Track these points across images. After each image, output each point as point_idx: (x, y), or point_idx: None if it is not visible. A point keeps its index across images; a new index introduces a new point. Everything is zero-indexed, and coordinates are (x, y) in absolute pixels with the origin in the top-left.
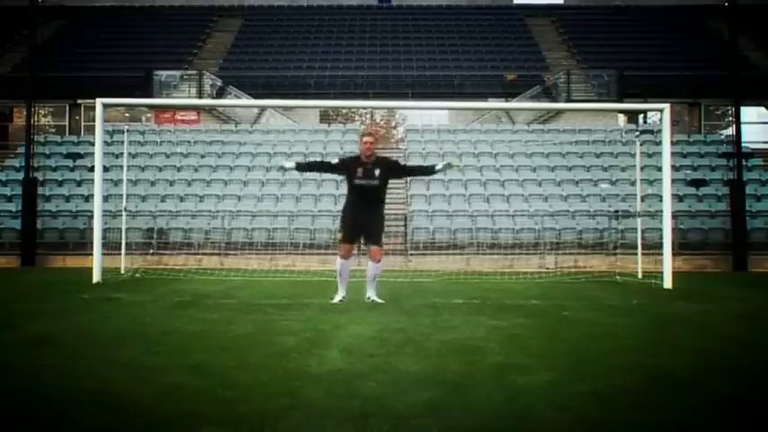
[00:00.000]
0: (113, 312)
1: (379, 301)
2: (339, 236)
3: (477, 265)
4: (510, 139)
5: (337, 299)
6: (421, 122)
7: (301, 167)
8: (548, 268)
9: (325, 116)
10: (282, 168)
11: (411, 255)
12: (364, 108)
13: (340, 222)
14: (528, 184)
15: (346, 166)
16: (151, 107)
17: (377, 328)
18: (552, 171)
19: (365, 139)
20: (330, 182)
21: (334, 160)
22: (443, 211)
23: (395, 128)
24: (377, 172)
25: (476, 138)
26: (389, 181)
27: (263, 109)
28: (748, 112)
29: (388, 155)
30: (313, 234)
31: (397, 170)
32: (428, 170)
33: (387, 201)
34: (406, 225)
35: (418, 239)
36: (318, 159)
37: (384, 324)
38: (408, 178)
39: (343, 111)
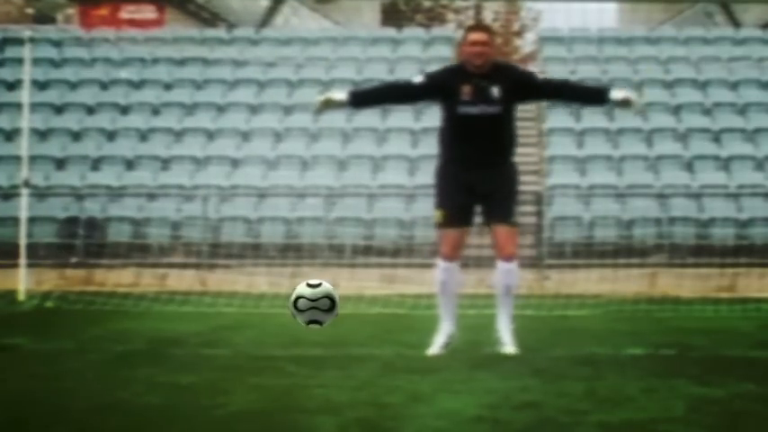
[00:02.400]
0: (5, 372)
1: (512, 349)
2: (437, 216)
3: (671, 286)
4: (730, 54)
5: (441, 341)
6: (568, 25)
7: (360, 100)
8: None
9: (393, 13)
10: (324, 106)
11: (549, 267)
12: None
13: (436, 192)
14: (764, 139)
15: (440, 85)
16: None
17: (487, 402)
18: None
19: (473, 37)
20: (401, 133)
21: (417, 78)
22: (609, 188)
23: (519, 34)
24: (496, 90)
25: (668, 53)
26: (518, 107)
27: (278, 0)
28: None
29: (511, 63)
30: (370, 230)
31: (533, 88)
32: (593, 95)
33: None
34: (539, 213)
35: (562, 239)
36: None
37: (501, 393)
38: (546, 120)
39: (426, 3)
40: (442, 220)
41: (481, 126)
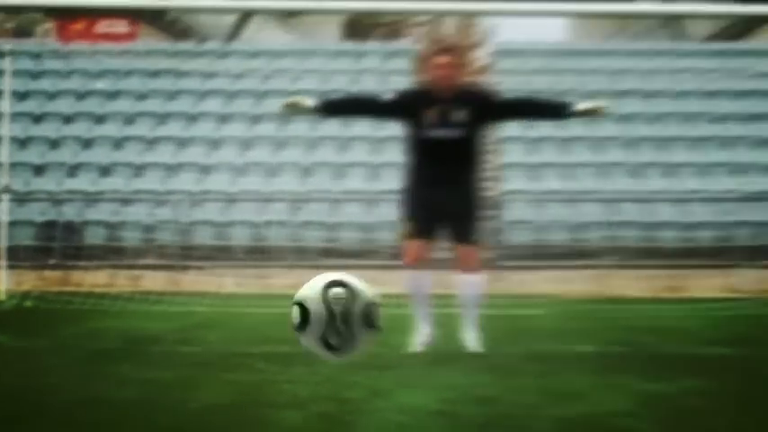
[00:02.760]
0: None
1: (478, 349)
2: (404, 229)
3: (620, 286)
4: (675, 67)
5: (421, 340)
6: (521, 38)
7: (328, 108)
8: (741, 292)
9: (354, 28)
10: (293, 109)
11: (503, 268)
12: (423, 13)
13: (402, 204)
14: (707, 147)
15: (407, 106)
16: (52, 12)
17: (445, 397)
18: (750, 123)
19: (439, 60)
20: (362, 141)
21: (388, 96)
22: (561, 193)
23: (475, 49)
24: (462, 114)
25: (616, 65)
26: (485, 129)
27: (246, 15)
28: None
29: (478, 84)
30: (333, 232)
31: (499, 109)
32: (556, 110)
33: None
34: (494, 217)
35: (516, 242)
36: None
37: (458, 389)
38: (499, 129)
39: (386, 18)
40: (409, 232)
41: (446, 149)
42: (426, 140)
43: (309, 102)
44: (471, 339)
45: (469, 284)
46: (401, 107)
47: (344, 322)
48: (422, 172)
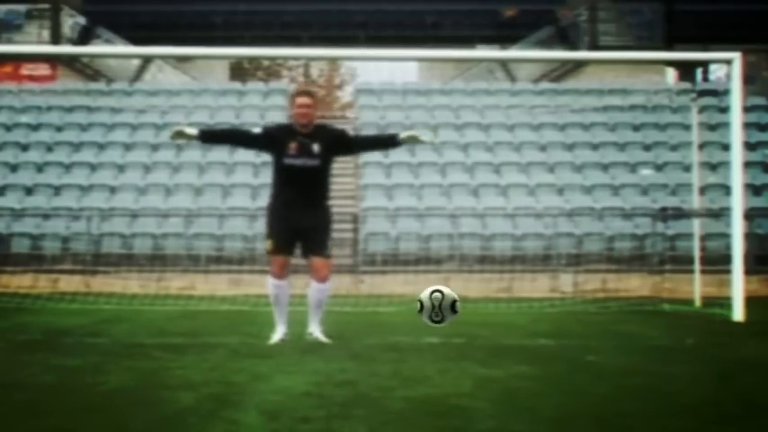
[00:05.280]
0: None
1: (324, 339)
2: (267, 245)
3: (461, 288)
4: (508, 103)
5: (277, 337)
6: (378, 79)
7: (207, 137)
8: (563, 292)
9: (239, 70)
10: (179, 137)
11: (363, 273)
12: (295, 58)
13: (266, 225)
14: (534, 170)
15: (272, 139)
16: None
17: (314, 380)
18: (570, 151)
19: (300, 100)
20: (245, 165)
21: (256, 129)
22: (411, 210)
23: (340, 88)
24: (316, 147)
25: (458, 102)
26: (335, 160)
27: (147, 60)
28: None
29: (330, 124)
30: (220, 243)
31: (344, 143)
32: (387, 141)
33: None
34: (356, 230)
35: (374, 250)
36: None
37: (325, 374)
38: (360, 156)
39: (265, 63)
40: (272, 249)
41: (303, 175)
42: (288, 167)
43: (192, 131)
44: (316, 331)
45: (318, 290)
46: (269, 138)
47: (439, 309)
48: (283, 195)
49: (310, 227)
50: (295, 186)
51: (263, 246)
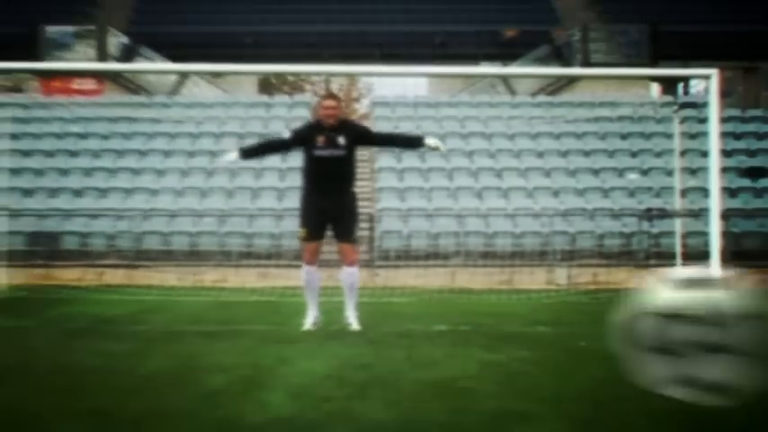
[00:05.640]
0: None
1: (356, 327)
2: (301, 233)
3: (466, 281)
4: (509, 114)
5: (309, 322)
6: (392, 93)
7: (248, 154)
8: (558, 285)
9: (266, 85)
10: (225, 162)
11: (379, 267)
12: (317, 74)
13: (299, 215)
14: (532, 175)
15: (301, 137)
16: (37, 73)
17: (334, 364)
18: (564, 157)
19: (327, 102)
20: (272, 171)
21: (286, 134)
22: (421, 210)
23: (357, 101)
24: (342, 139)
25: (464, 113)
26: (358, 150)
27: (184, 76)
28: None
29: (355, 120)
30: (250, 240)
31: (368, 138)
32: (414, 142)
33: None
34: (372, 228)
35: (388, 247)
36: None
37: (344, 358)
38: (376, 162)
39: (290, 78)
40: (305, 236)
41: (330, 164)
42: (316, 158)
43: (233, 155)
44: (352, 319)
45: (349, 274)
46: (299, 137)
47: None
48: (313, 184)
49: (339, 214)
50: (323, 175)
51: (297, 235)
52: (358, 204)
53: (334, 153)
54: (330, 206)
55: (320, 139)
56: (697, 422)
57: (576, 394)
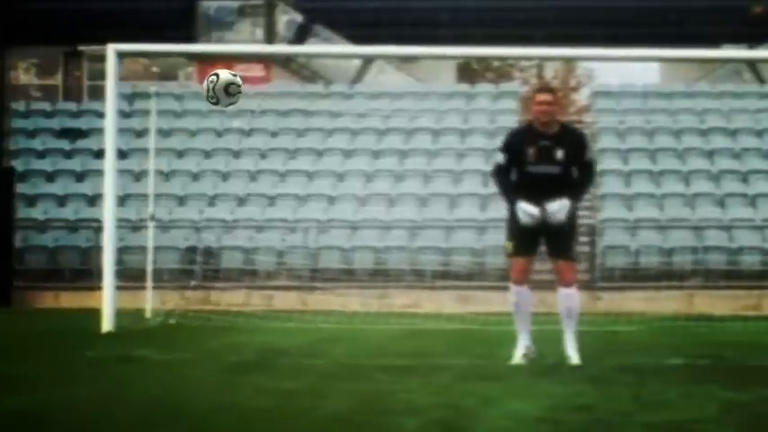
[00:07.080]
0: (134, 379)
1: (575, 361)
2: (508, 247)
3: (706, 305)
4: (757, 107)
5: (519, 353)
6: (617, 81)
7: (512, 200)
8: None
9: (467, 71)
10: (528, 219)
11: (601, 289)
12: (528, 59)
13: (507, 226)
14: None
15: (513, 150)
16: (193, 57)
17: (548, 404)
18: None
19: (540, 97)
20: (474, 174)
21: (499, 158)
22: (652, 221)
23: (575, 90)
24: (559, 153)
25: (702, 105)
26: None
27: (368, 60)
28: None
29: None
30: (447, 257)
31: (580, 155)
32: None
33: None
34: (593, 242)
35: (613, 265)
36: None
37: (559, 397)
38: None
39: (495, 63)
40: (513, 250)
41: (544, 182)
42: (529, 175)
43: (507, 211)
44: (571, 351)
45: (566, 296)
46: (512, 155)
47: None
48: (524, 197)
49: (553, 229)
50: (537, 192)
51: (503, 251)
52: (577, 215)
53: (550, 170)
54: (543, 222)
55: (532, 153)
56: None
57: None
